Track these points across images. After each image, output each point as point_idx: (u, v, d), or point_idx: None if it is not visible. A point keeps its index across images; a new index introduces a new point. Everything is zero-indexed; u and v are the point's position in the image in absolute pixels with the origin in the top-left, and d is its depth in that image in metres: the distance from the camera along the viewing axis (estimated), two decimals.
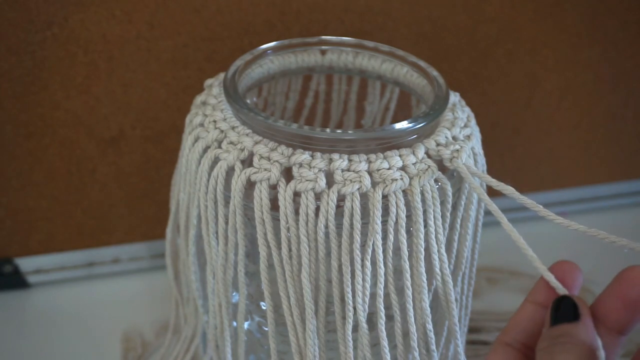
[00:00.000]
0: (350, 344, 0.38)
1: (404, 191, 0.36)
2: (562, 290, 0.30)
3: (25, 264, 0.58)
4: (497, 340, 0.31)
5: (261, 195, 0.36)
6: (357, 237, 0.36)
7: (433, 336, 0.39)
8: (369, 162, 0.36)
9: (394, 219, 0.36)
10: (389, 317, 0.39)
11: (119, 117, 0.53)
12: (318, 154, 0.37)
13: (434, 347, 0.40)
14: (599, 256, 0.63)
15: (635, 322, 0.29)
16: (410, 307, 0.38)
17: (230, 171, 0.38)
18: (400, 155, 0.37)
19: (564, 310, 0.29)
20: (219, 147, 0.38)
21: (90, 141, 0.53)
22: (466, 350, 0.46)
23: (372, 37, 0.54)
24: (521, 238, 0.33)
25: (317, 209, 0.36)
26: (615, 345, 0.29)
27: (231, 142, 0.38)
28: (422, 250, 0.37)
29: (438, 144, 0.38)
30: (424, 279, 0.38)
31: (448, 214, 0.39)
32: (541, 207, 0.34)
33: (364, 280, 0.37)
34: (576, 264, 0.31)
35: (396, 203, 0.36)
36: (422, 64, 0.44)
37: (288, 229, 0.37)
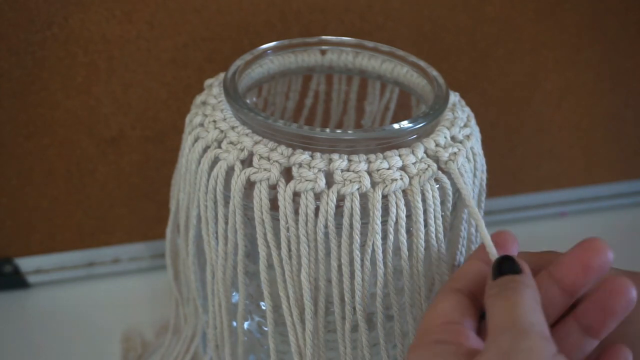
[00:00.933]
0: (350, 344, 0.38)
1: (403, 191, 0.36)
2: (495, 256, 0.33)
3: (25, 264, 0.58)
4: (445, 288, 0.34)
5: (261, 195, 0.36)
6: (357, 237, 0.36)
7: None
8: (369, 162, 0.36)
9: (394, 219, 0.36)
10: (389, 317, 0.39)
11: (119, 117, 0.53)
12: (318, 154, 0.37)
13: None
14: None
15: (586, 286, 0.32)
16: (410, 307, 0.38)
17: (230, 171, 0.38)
18: (399, 155, 0.37)
19: (507, 266, 0.32)
20: (219, 147, 0.38)
21: (90, 141, 0.53)
22: None
23: (372, 37, 0.54)
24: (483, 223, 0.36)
25: (317, 209, 0.36)
26: (565, 305, 0.32)
27: (231, 142, 0.38)
28: (423, 250, 0.37)
29: (437, 145, 0.38)
30: (424, 279, 0.38)
31: (448, 214, 0.39)
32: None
33: (363, 280, 0.37)
34: (514, 235, 0.35)
35: (396, 203, 0.36)
36: (422, 64, 0.44)
37: (288, 229, 0.37)
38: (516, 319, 0.28)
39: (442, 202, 0.38)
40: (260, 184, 0.36)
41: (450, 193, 0.38)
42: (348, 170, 0.36)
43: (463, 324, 0.31)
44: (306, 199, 0.36)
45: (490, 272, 0.32)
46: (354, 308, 0.37)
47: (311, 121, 0.52)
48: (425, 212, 0.37)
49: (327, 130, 0.37)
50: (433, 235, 0.37)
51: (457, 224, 0.40)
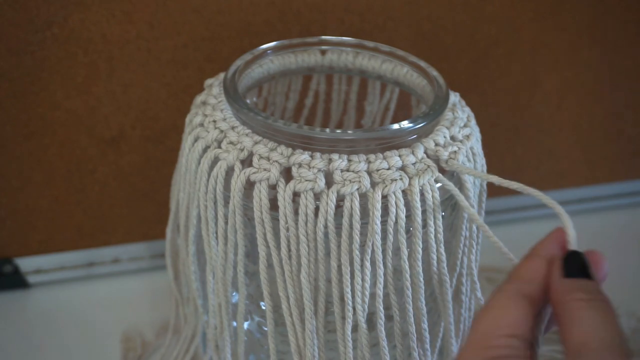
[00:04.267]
0: (350, 344, 0.38)
1: (403, 191, 0.36)
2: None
3: (25, 264, 0.58)
4: (510, 289, 0.29)
5: (260, 195, 0.36)
6: (357, 238, 0.36)
7: (428, 335, 0.39)
8: (369, 162, 0.36)
9: (394, 219, 0.36)
10: (389, 317, 0.39)
11: (119, 117, 0.53)
12: (317, 154, 0.37)
13: (428, 346, 0.40)
14: None
15: None
16: (409, 307, 0.38)
17: (229, 171, 0.38)
18: (399, 156, 0.37)
19: (581, 266, 0.29)
20: (219, 147, 0.38)
21: (90, 141, 0.54)
22: None
23: (372, 37, 0.54)
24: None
25: (317, 209, 0.36)
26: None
27: (231, 142, 0.38)
28: (420, 250, 0.37)
29: (437, 144, 0.38)
30: (422, 279, 0.38)
31: (448, 214, 0.39)
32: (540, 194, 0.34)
33: (363, 280, 0.37)
34: (602, 254, 0.31)
35: (395, 203, 0.36)
36: (422, 64, 0.44)
37: (287, 229, 0.37)
38: (615, 338, 0.26)
39: (442, 202, 0.38)
40: (260, 184, 0.36)
41: (455, 190, 0.38)
42: (348, 171, 0.36)
43: (531, 341, 0.28)
44: (306, 199, 0.36)
45: (559, 266, 0.29)
46: (354, 308, 0.37)
47: (311, 121, 0.52)
48: (424, 212, 0.37)
49: (327, 130, 0.37)
50: (432, 236, 0.37)
51: (458, 224, 0.40)
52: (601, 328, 0.26)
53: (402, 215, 0.36)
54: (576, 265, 0.29)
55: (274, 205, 0.37)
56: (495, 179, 0.37)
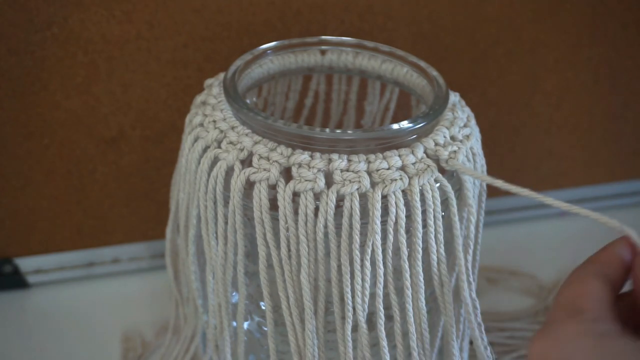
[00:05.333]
0: (350, 344, 0.38)
1: (403, 191, 0.36)
2: None
3: (25, 264, 0.58)
4: (593, 271, 0.31)
5: (260, 195, 0.36)
6: (357, 237, 0.36)
7: (428, 335, 0.39)
8: (368, 162, 0.36)
9: (394, 219, 0.36)
10: (389, 317, 0.39)
11: (119, 117, 0.53)
12: (317, 154, 0.37)
13: (428, 346, 0.40)
14: None
15: None
16: (409, 307, 0.38)
17: (229, 171, 0.38)
18: (399, 155, 0.37)
19: None
20: (219, 147, 0.38)
21: (90, 141, 0.53)
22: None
23: (372, 37, 0.54)
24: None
25: (317, 209, 0.36)
26: None
27: (231, 142, 0.38)
28: (420, 250, 0.37)
29: (437, 144, 0.38)
30: (422, 279, 0.38)
31: (448, 214, 0.39)
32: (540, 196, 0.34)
33: (363, 280, 0.37)
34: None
35: (395, 203, 0.36)
36: (422, 64, 0.44)
37: (287, 229, 0.37)
38: None
39: (442, 202, 0.38)
40: (260, 184, 0.36)
41: (451, 192, 0.38)
42: (347, 171, 0.36)
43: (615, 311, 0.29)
44: (306, 199, 0.36)
45: None
46: (354, 308, 0.37)
47: (311, 121, 0.52)
48: (424, 212, 0.37)
49: (327, 130, 0.37)
50: (432, 236, 0.37)
51: (457, 224, 0.40)
52: None
53: (402, 215, 0.36)
54: None
55: (274, 205, 0.37)
56: (500, 183, 0.36)
